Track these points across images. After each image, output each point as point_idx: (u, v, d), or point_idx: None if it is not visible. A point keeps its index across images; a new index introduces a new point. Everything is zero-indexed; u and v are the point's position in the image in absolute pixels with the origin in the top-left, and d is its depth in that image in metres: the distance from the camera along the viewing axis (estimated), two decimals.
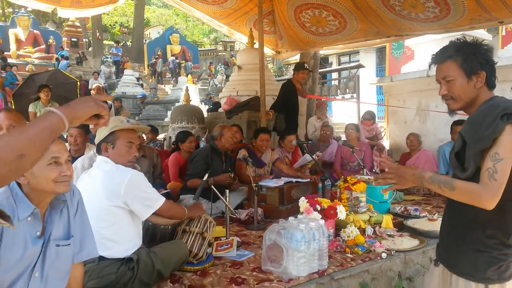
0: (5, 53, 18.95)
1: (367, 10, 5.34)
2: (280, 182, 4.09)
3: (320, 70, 10.66)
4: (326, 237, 2.55)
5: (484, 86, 1.52)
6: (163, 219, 2.63)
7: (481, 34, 7.92)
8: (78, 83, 10.32)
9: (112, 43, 28.05)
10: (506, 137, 1.36)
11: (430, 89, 6.70)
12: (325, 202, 3.07)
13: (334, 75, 16.61)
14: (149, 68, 23.41)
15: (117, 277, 2.18)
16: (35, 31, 21.96)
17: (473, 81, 1.51)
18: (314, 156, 4.63)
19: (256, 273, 2.49)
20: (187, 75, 18.77)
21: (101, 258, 2.13)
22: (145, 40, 29.30)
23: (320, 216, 2.89)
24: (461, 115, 1.62)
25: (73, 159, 3.47)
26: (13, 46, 20.82)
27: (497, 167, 1.35)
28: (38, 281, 1.42)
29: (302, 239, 2.37)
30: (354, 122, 6.45)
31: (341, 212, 3.06)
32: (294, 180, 4.25)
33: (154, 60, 23.59)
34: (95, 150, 2.57)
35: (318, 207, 2.98)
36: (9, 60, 18.11)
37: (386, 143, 7.48)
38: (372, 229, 3.21)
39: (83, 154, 3.80)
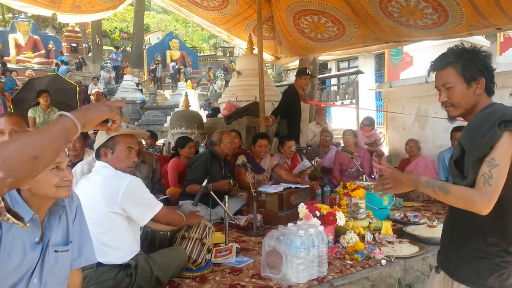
0: (4, 58, 18.98)
1: (365, 17, 5.37)
2: (279, 188, 4.08)
3: (319, 76, 10.69)
4: (325, 244, 2.54)
5: (483, 92, 1.52)
6: (162, 225, 2.63)
7: (480, 40, 7.97)
8: (78, 88, 10.32)
9: (112, 48, 28.13)
10: (503, 144, 1.36)
11: (429, 95, 6.72)
12: (325, 208, 3.06)
13: (333, 81, 16.65)
14: (150, 74, 23.45)
15: (115, 283, 2.17)
16: (34, 36, 22.00)
17: (473, 87, 1.51)
18: (313, 162, 4.63)
19: (255, 279, 2.48)
20: (186, 81, 18.80)
21: (99, 264, 2.12)
22: (145, 46, 29.38)
23: (320, 223, 2.88)
24: (461, 122, 1.62)
25: (72, 164, 3.46)
26: (12, 51, 20.84)
27: (492, 172, 1.35)
28: (37, 287, 1.42)
29: (302, 246, 2.37)
30: (351, 128, 6.46)
31: (341, 219, 3.05)
32: (293, 186, 4.25)
33: (155, 65, 23.63)
34: (94, 156, 2.57)
35: (318, 213, 2.98)
36: (9, 65, 18.15)
37: (385, 149, 7.48)
38: (372, 236, 3.20)
39: (82, 159, 3.79)
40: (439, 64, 1.58)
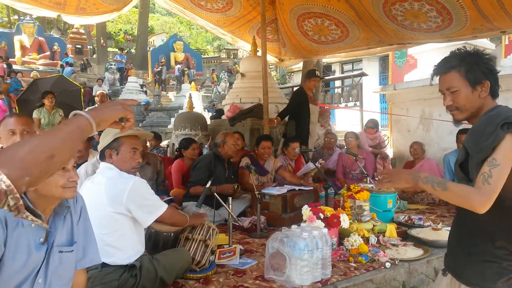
0: (10, 59, 19.11)
1: (369, 20, 5.36)
2: (283, 190, 4.08)
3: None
4: (329, 246, 2.54)
5: (488, 95, 1.52)
6: (165, 226, 2.63)
7: (484, 43, 7.93)
8: (82, 90, 10.38)
9: (117, 50, 28.25)
10: (505, 145, 1.35)
11: (434, 98, 6.69)
12: (328, 211, 3.06)
13: (337, 83, 16.61)
14: (155, 76, 23.50)
15: (119, 284, 2.18)
16: (40, 38, 22.13)
17: (478, 91, 1.51)
18: (317, 164, 4.62)
19: (259, 281, 2.48)
20: (190, 83, 18.82)
21: (104, 265, 2.13)
22: (149, 48, 29.47)
23: (323, 225, 2.87)
24: (466, 124, 1.62)
25: (77, 165, 3.47)
26: (18, 52, 20.98)
27: (492, 172, 1.35)
28: (42, 287, 1.42)
29: (305, 248, 2.36)
30: (353, 131, 6.46)
31: (345, 221, 3.04)
32: (297, 188, 4.24)
33: (160, 67, 23.71)
34: (98, 157, 2.58)
35: (321, 216, 2.97)
36: (14, 67, 18.27)
37: (389, 152, 7.46)
38: (376, 238, 3.19)
39: (87, 160, 3.80)
40: (442, 68, 1.58)
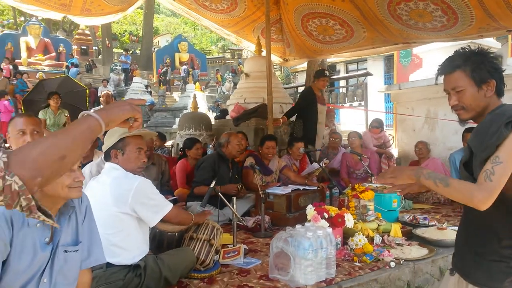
0: (16, 60, 19.23)
1: (373, 20, 5.34)
2: (288, 189, 4.08)
3: None
4: (333, 246, 2.54)
5: (494, 94, 1.51)
6: (170, 225, 2.64)
7: (490, 42, 7.89)
8: (87, 91, 10.43)
9: (122, 51, 28.35)
10: (509, 143, 1.34)
11: (439, 97, 6.67)
12: (333, 210, 3.05)
13: (342, 82, 16.60)
14: (161, 76, 23.56)
15: (124, 283, 2.18)
16: (45, 39, 22.26)
17: (484, 90, 1.50)
18: (321, 164, 4.61)
19: (263, 281, 2.48)
20: (195, 83, 18.87)
21: (109, 264, 2.14)
22: (154, 48, 29.56)
23: (328, 224, 2.87)
24: (471, 123, 1.61)
25: (82, 165, 3.50)
26: (24, 54, 21.12)
27: (495, 169, 1.34)
28: (47, 286, 1.43)
29: (310, 247, 2.36)
30: (356, 130, 6.44)
31: (349, 220, 3.03)
32: (301, 187, 4.24)
33: (165, 68, 23.77)
34: (102, 157, 2.59)
35: (326, 215, 2.96)
36: (20, 68, 18.38)
37: (394, 151, 7.44)
38: (381, 238, 3.18)
39: (91, 160, 3.82)
40: (447, 68, 1.57)
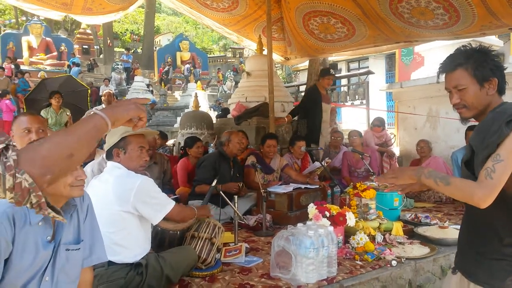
0: (18, 60, 19.26)
1: (375, 18, 5.33)
2: (289, 188, 4.08)
3: None
4: (335, 244, 2.54)
5: (495, 92, 1.51)
6: (171, 224, 2.64)
7: (492, 40, 7.88)
8: (89, 91, 10.45)
9: (123, 50, 28.36)
10: (510, 141, 1.35)
11: (441, 96, 6.65)
12: (334, 209, 3.05)
13: (344, 81, 16.56)
14: (163, 75, 23.56)
15: (126, 281, 2.19)
16: (47, 38, 22.27)
17: (486, 88, 1.50)
18: (323, 163, 4.61)
19: (264, 279, 2.48)
20: (196, 82, 18.86)
21: (111, 263, 2.15)
22: (155, 47, 29.56)
23: (329, 223, 2.87)
24: (473, 122, 1.61)
25: (83, 164, 3.50)
26: (25, 53, 21.13)
27: (496, 167, 1.34)
28: (49, 285, 1.43)
29: (311, 246, 2.36)
30: (357, 129, 6.43)
31: (351, 219, 3.04)
32: (303, 186, 4.24)
33: (168, 67, 23.78)
34: (104, 156, 2.60)
35: (327, 214, 2.97)
36: (22, 67, 18.39)
37: (396, 150, 7.43)
38: (382, 236, 3.18)
39: (93, 159, 3.83)
40: (449, 66, 1.56)
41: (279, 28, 6.93)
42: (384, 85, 9.97)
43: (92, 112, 1.07)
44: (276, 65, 16.63)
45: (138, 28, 37.33)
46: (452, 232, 3.19)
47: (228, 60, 31.65)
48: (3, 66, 15.90)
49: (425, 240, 3.20)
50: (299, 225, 2.59)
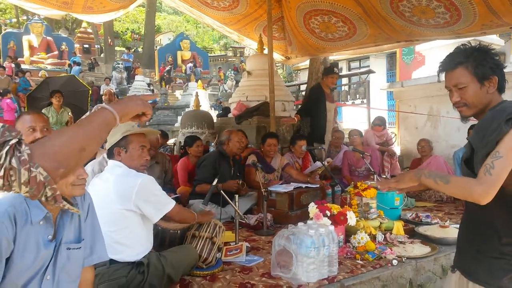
0: (18, 59, 19.27)
1: (376, 16, 5.33)
2: (290, 187, 4.08)
3: None
4: (336, 243, 2.54)
5: (495, 91, 1.51)
6: (172, 223, 2.65)
7: (493, 39, 7.87)
8: (90, 91, 10.48)
9: (124, 49, 28.36)
10: (509, 139, 1.35)
11: (441, 95, 6.65)
12: (335, 208, 3.05)
13: (344, 80, 16.54)
14: (165, 75, 23.56)
15: (127, 280, 2.19)
16: (48, 37, 22.28)
17: (486, 86, 1.50)
18: (324, 162, 4.61)
19: (265, 278, 2.48)
20: (197, 81, 18.86)
21: (112, 261, 2.15)
22: (156, 46, 29.55)
23: (330, 222, 2.87)
24: (474, 121, 1.61)
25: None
26: (26, 52, 21.14)
27: (495, 163, 1.34)
28: (50, 283, 1.44)
29: (312, 245, 2.36)
30: (357, 128, 6.43)
31: (351, 218, 3.04)
32: (303, 185, 4.23)
33: (169, 66, 23.78)
34: (105, 155, 2.60)
35: (328, 213, 2.96)
36: (23, 66, 18.42)
37: (397, 149, 7.43)
38: (383, 236, 3.18)
39: (94, 158, 3.82)
40: (449, 65, 1.57)
41: (279, 27, 6.93)
42: (385, 84, 9.98)
43: (100, 107, 1.09)
44: (277, 64, 16.64)
45: (139, 27, 37.32)
46: (453, 231, 3.19)
47: (229, 59, 31.64)
48: (4, 65, 15.90)
49: (426, 240, 3.20)
50: (300, 224, 2.59)
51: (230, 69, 25.72)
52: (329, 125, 6.11)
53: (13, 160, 0.87)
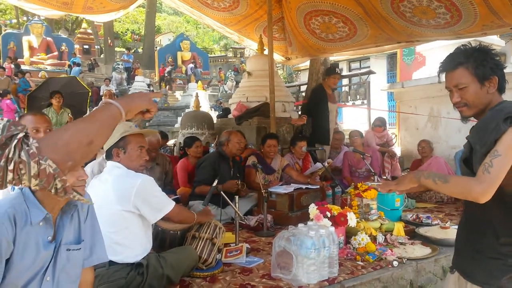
0: (18, 60, 19.27)
1: (377, 17, 5.32)
2: (290, 188, 4.07)
3: None
4: (336, 245, 2.53)
5: (496, 91, 1.52)
6: (172, 224, 2.64)
7: (494, 40, 7.87)
8: (90, 94, 10.50)
9: (124, 50, 28.36)
10: (507, 138, 1.35)
11: (442, 95, 6.65)
12: (335, 209, 3.04)
13: (345, 81, 16.54)
14: (166, 75, 23.56)
15: (127, 281, 2.19)
16: (48, 38, 22.27)
17: (486, 86, 1.51)
18: (324, 163, 4.60)
19: (265, 280, 2.48)
20: (197, 82, 18.87)
21: (111, 262, 2.14)
22: (156, 47, 29.56)
23: (330, 223, 2.87)
24: (474, 121, 1.61)
25: (84, 164, 3.49)
26: (26, 53, 21.13)
27: (493, 162, 1.34)
28: (50, 284, 1.43)
29: (312, 246, 2.36)
30: (357, 129, 6.43)
31: (352, 219, 3.03)
32: (304, 186, 4.23)
33: (170, 67, 23.79)
34: (104, 156, 2.59)
35: (328, 214, 2.96)
36: (23, 67, 18.41)
37: (397, 150, 7.42)
38: (383, 237, 3.17)
39: (94, 159, 3.82)
40: (449, 65, 1.57)
41: (280, 28, 6.93)
42: (386, 85, 9.98)
43: (106, 102, 1.10)
44: (277, 65, 16.64)
45: (139, 27, 37.33)
46: (453, 232, 3.17)
47: (229, 60, 31.65)
48: (4, 66, 15.91)
49: (426, 241, 3.19)
50: (300, 225, 2.58)
51: (230, 70, 25.73)
52: (332, 126, 6.10)
53: (22, 153, 0.88)
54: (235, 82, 21.70)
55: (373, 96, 12.28)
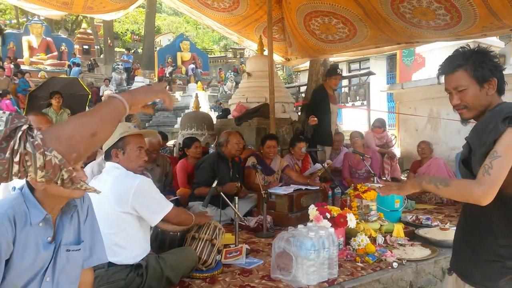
0: (18, 60, 19.25)
1: (377, 18, 5.33)
2: (290, 189, 4.07)
3: None
4: (336, 246, 2.52)
5: (495, 93, 1.52)
6: (172, 225, 2.63)
7: (494, 41, 7.87)
8: (89, 96, 10.50)
9: (123, 50, 28.34)
10: (506, 138, 1.35)
11: (442, 97, 6.64)
12: (335, 210, 3.04)
13: (344, 82, 16.53)
14: (167, 76, 23.54)
15: (126, 283, 2.18)
16: (47, 38, 22.25)
17: (485, 88, 1.51)
18: (324, 164, 4.60)
19: (265, 281, 2.48)
20: (197, 82, 18.85)
21: (111, 264, 2.14)
22: (156, 48, 29.54)
23: (330, 224, 2.86)
24: (473, 123, 1.61)
25: (84, 164, 3.48)
26: (26, 53, 21.11)
27: (493, 163, 1.34)
28: (49, 285, 1.43)
29: (312, 247, 2.35)
30: (358, 130, 6.42)
31: (351, 221, 3.03)
32: (303, 187, 4.23)
33: (171, 67, 23.78)
34: (103, 156, 2.59)
35: (328, 215, 2.96)
36: (22, 67, 18.39)
37: (397, 151, 7.42)
38: (383, 238, 3.17)
39: (95, 159, 3.82)
40: (448, 67, 1.58)
41: (280, 29, 6.93)
42: (385, 86, 9.98)
43: (110, 95, 1.10)
44: (277, 66, 16.65)
45: (139, 28, 37.34)
46: (453, 234, 3.15)
47: (229, 61, 31.64)
48: (3, 66, 15.89)
49: (426, 242, 3.19)
50: (300, 226, 2.58)
51: (230, 71, 25.72)
52: (333, 127, 6.09)
53: (28, 145, 0.88)
54: (234, 83, 21.69)
55: (372, 97, 12.26)
